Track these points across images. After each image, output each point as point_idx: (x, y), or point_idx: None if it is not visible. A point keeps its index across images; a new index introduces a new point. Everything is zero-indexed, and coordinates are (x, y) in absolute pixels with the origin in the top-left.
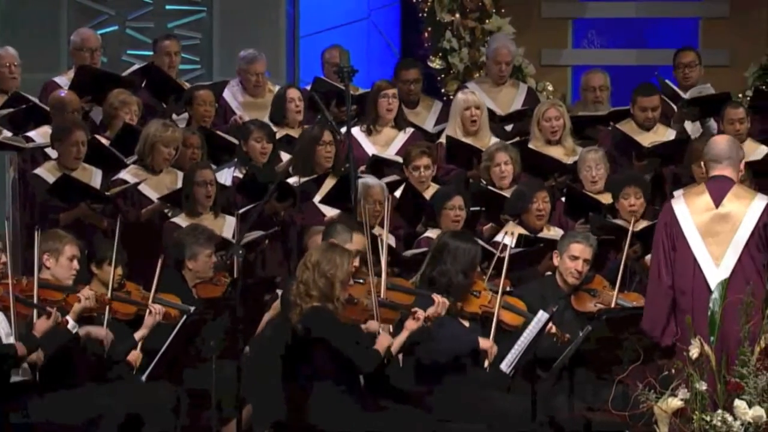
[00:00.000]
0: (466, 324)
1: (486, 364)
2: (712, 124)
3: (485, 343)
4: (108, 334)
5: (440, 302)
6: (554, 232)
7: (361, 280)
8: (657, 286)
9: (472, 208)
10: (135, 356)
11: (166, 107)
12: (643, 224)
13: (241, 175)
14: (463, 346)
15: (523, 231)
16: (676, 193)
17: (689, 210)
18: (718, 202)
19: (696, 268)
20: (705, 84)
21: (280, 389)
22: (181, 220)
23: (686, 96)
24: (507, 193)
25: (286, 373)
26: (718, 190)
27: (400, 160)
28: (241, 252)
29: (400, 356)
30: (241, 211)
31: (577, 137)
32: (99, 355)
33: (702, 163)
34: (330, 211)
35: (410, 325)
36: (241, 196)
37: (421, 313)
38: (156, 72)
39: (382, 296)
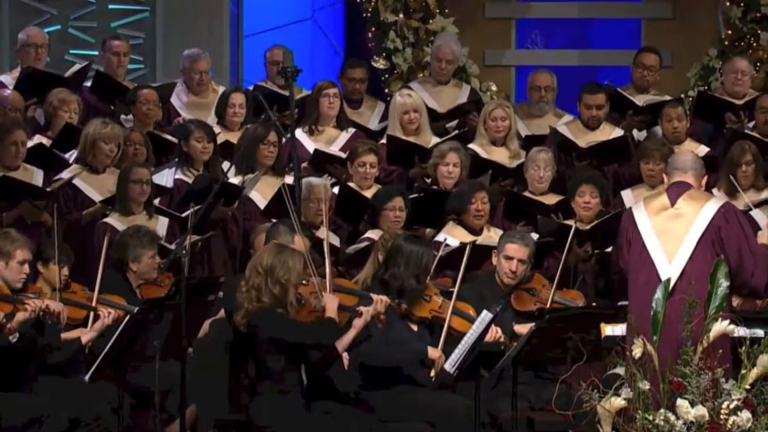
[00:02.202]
0: (414, 328)
1: (432, 373)
2: (657, 129)
3: (434, 353)
4: (64, 309)
5: (378, 300)
6: (494, 233)
7: (304, 281)
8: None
9: (412, 196)
10: (87, 338)
11: (114, 109)
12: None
13: (183, 177)
14: (411, 355)
15: (463, 230)
16: (624, 194)
17: (647, 211)
18: (673, 201)
19: (650, 264)
20: (661, 95)
21: (224, 389)
22: (114, 220)
23: (641, 104)
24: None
25: (230, 372)
26: (676, 192)
27: (342, 155)
28: (184, 252)
29: (346, 357)
30: (184, 214)
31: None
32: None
33: (664, 175)
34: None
35: (357, 323)
36: (188, 206)
37: (365, 310)
38: (99, 76)
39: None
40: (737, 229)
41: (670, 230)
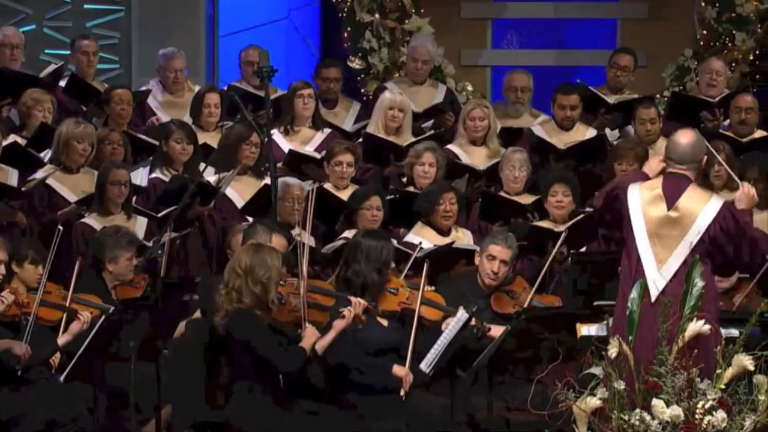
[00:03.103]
0: (385, 323)
1: (402, 393)
2: (630, 128)
3: (400, 371)
4: (27, 350)
5: (356, 302)
6: (462, 234)
7: (282, 282)
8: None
9: (388, 197)
10: (64, 341)
11: (86, 110)
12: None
13: (161, 176)
14: (377, 375)
15: (431, 231)
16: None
17: (641, 204)
18: (671, 204)
19: (638, 263)
20: (633, 94)
21: (201, 389)
22: (93, 220)
23: (612, 101)
24: None
25: (206, 372)
26: (673, 189)
27: (317, 155)
28: (159, 253)
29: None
30: (160, 214)
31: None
32: (13, 368)
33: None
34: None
35: (339, 324)
36: (164, 206)
37: (348, 312)
38: (73, 78)
39: (303, 297)
40: (735, 232)
41: (663, 236)
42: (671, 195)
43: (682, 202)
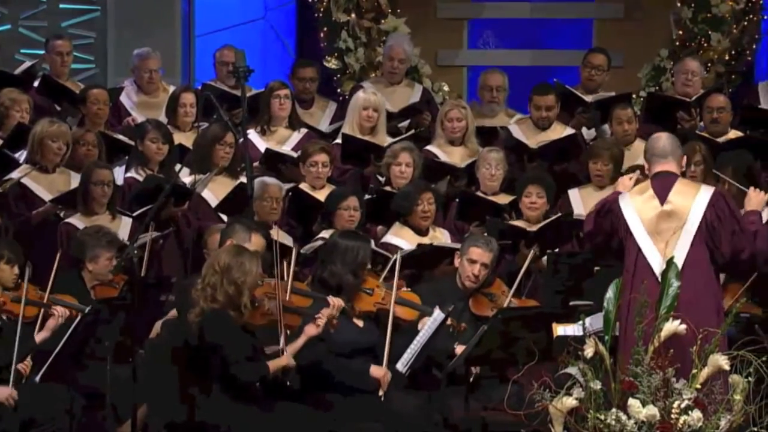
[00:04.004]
0: (360, 324)
1: (381, 393)
2: (606, 127)
3: (378, 372)
4: (12, 393)
5: (335, 304)
6: (440, 233)
7: (260, 282)
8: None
9: (366, 197)
10: (24, 365)
11: (60, 110)
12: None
13: (135, 175)
14: (354, 376)
15: (409, 231)
16: (570, 193)
17: (635, 207)
18: (663, 199)
19: (648, 268)
20: (609, 93)
21: (176, 389)
22: (77, 220)
23: (590, 100)
24: None
25: (182, 373)
26: (663, 186)
27: (294, 154)
28: (136, 252)
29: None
30: (135, 213)
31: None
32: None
33: (644, 160)
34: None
35: (310, 330)
36: (139, 205)
37: (322, 320)
38: (45, 79)
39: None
40: (728, 219)
41: (663, 231)
42: (661, 192)
43: (673, 196)
